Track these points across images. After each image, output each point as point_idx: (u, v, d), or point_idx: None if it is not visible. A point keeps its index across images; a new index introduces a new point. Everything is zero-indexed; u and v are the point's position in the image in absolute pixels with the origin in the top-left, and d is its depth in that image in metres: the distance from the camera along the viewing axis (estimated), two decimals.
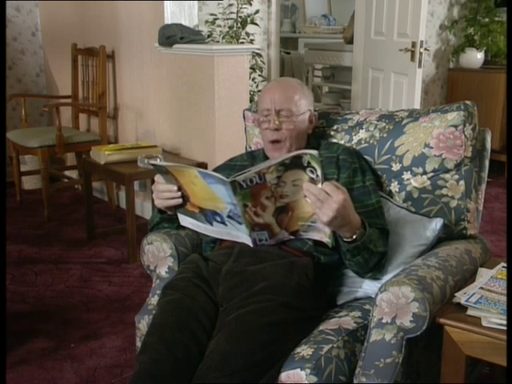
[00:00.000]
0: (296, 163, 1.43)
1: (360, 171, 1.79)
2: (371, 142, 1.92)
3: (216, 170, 1.96)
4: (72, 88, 4.40)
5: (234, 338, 1.46)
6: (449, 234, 1.82)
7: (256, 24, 4.12)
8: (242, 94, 3.40)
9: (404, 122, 1.88)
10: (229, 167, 1.92)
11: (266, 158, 1.89)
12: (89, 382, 2.18)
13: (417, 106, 3.76)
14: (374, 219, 1.69)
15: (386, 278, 1.59)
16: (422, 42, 3.66)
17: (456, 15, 5.32)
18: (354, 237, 1.55)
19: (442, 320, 1.46)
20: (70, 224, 3.91)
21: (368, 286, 1.72)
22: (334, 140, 2.00)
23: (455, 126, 1.78)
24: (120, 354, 2.35)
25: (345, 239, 1.56)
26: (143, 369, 1.47)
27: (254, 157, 1.96)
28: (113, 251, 3.45)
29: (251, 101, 3.62)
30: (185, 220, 1.70)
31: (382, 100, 4.13)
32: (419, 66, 3.69)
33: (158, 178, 1.68)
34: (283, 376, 1.45)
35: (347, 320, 1.60)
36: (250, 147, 2.18)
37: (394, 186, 1.89)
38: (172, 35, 3.40)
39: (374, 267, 1.65)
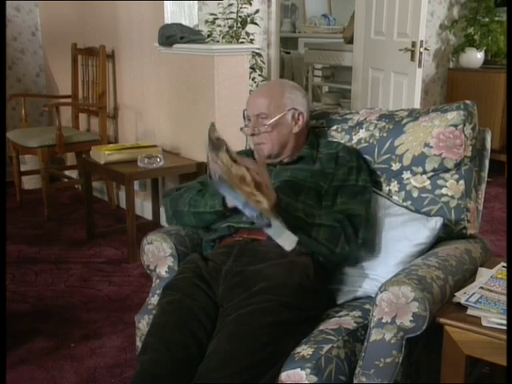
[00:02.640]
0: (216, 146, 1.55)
1: (356, 170, 1.82)
2: (371, 141, 1.92)
3: None
4: (72, 88, 4.40)
5: (234, 338, 1.46)
6: (449, 234, 1.82)
7: (256, 24, 4.12)
8: (242, 94, 3.39)
9: (404, 122, 1.88)
10: None
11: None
12: (89, 381, 2.18)
13: (417, 105, 3.76)
14: (350, 205, 1.72)
15: (387, 276, 1.59)
16: (421, 41, 3.66)
17: (456, 15, 5.31)
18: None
19: (442, 320, 1.46)
20: (70, 224, 3.91)
21: (368, 286, 1.72)
22: (334, 139, 2.00)
23: (455, 126, 1.78)
24: (120, 354, 2.35)
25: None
26: (144, 369, 1.48)
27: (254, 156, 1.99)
28: (113, 251, 3.45)
29: None
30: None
31: (381, 100, 4.13)
32: (419, 65, 3.69)
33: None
34: (283, 376, 1.45)
35: (347, 320, 1.60)
36: (250, 147, 2.18)
37: (394, 186, 1.89)
38: (172, 35, 3.40)
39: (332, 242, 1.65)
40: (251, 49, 3.67)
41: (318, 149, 1.91)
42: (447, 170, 1.81)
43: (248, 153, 2.00)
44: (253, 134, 1.87)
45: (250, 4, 4.07)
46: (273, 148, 1.87)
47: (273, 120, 1.85)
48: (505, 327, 1.39)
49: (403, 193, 1.87)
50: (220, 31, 4.06)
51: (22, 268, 3.19)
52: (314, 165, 1.85)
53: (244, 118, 2.21)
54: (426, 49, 3.75)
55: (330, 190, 1.78)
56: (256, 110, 1.87)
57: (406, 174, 1.87)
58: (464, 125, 1.77)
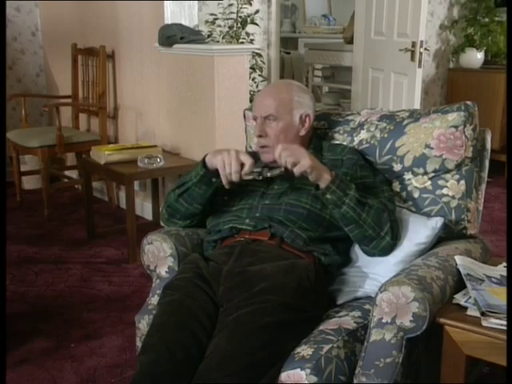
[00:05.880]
0: None
1: (367, 167, 1.84)
2: (372, 142, 1.92)
3: None
4: (72, 88, 4.40)
5: (234, 338, 1.46)
6: (449, 234, 1.82)
7: (256, 24, 4.12)
8: (242, 94, 3.39)
9: (405, 123, 1.88)
10: None
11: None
12: (89, 381, 2.18)
13: (417, 106, 3.75)
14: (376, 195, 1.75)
15: (387, 276, 1.59)
16: (421, 41, 3.66)
17: (456, 15, 5.31)
18: (329, 178, 1.63)
19: (442, 320, 1.47)
20: (70, 224, 3.91)
21: (368, 286, 1.72)
22: (337, 142, 2.00)
23: (456, 127, 1.78)
24: (120, 354, 2.35)
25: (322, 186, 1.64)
26: (143, 369, 1.48)
27: (257, 158, 1.98)
28: (113, 251, 3.45)
29: (251, 101, 3.62)
30: None
31: (382, 100, 4.13)
32: (419, 65, 3.69)
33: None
34: (283, 376, 1.45)
35: (347, 320, 1.60)
36: (251, 147, 2.18)
37: (395, 186, 1.89)
38: (172, 35, 3.40)
39: (377, 227, 1.66)
40: (251, 49, 3.67)
41: (321, 153, 1.90)
42: (448, 171, 1.81)
43: (251, 155, 1.98)
44: (260, 136, 1.83)
45: (250, 4, 4.07)
46: None
47: (281, 123, 1.82)
48: (505, 327, 1.39)
49: (404, 193, 1.88)
50: (220, 31, 4.06)
51: (22, 268, 3.19)
52: None
53: (244, 118, 2.21)
54: (426, 49, 3.74)
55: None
56: (264, 111, 1.82)
57: (407, 175, 1.87)
58: (465, 126, 1.77)
